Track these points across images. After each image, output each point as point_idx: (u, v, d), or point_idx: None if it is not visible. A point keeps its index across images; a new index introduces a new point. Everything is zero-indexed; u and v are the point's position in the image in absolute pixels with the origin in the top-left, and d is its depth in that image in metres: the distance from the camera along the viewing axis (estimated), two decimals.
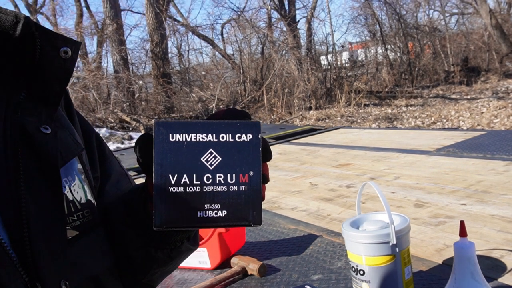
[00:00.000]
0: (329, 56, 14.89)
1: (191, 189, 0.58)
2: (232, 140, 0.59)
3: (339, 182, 2.47)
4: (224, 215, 0.58)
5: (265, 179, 0.61)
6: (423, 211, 1.85)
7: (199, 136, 0.59)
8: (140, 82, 13.84)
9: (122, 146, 8.56)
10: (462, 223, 0.91)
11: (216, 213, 0.58)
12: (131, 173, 3.55)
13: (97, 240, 0.71)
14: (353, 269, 1.18)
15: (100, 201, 0.76)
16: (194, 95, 13.03)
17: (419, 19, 17.63)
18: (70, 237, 0.65)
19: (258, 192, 0.59)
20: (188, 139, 0.58)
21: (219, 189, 0.58)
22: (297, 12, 16.32)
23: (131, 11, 16.78)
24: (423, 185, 2.18)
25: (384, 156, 2.91)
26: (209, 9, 25.27)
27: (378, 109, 11.66)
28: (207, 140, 0.59)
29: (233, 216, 0.58)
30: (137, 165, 2.98)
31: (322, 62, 15.15)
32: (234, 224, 0.59)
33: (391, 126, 9.15)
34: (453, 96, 12.10)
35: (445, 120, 8.82)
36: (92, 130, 0.83)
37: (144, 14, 14.55)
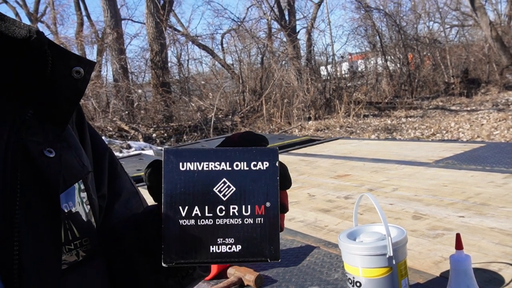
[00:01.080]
0: (329, 67, 14.94)
1: (203, 222, 0.54)
2: (247, 168, 0.55)
3: (337, 193, 2.46)
4: (239, 250, 0.54)
5: (284, 209, 0.58)
6: (421, 223, 1.84)
7: (211, 164, 0.55)
8: (140, 91, 13.87)
9: (121, 155, 8.54)
10: (458, 236, 0.90)
11: (230, 248, 0.54)
12: None
13: (95, 272, 0.68)
14: (350, 281, 1.17)
15: (107, 220, 0.74)
16: (193, 105, 13.05)
17: (419, 31, 17.74)
18: (65, 267, 0.61)
19: (275, 225, 0.54)
20: (200, 168, 0.55)
21: (233, 222, 0.54)
22: (297, 22, 16.42)
23: (132, 20, 16.84)
24: (421, 197, 2.17)
25: (383, 167, 2.90)
26: (209, 19, 25.50)
27: (378, 120, 11.67)
28: (220, 168, 0.55)
29: (249, 251, 0.54)
30: (135, 174, 2.96)
31: (322, 73, 15.20)
32: (249, 260, 0.55)
33: (390, 137, 9.15)
34: (453, 108, 12.13)
35: (444, 132, 8.83)
36: (106, 147, 0.80)
37: (144, 24, 14.62)
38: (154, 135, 11.42)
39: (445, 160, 2.86)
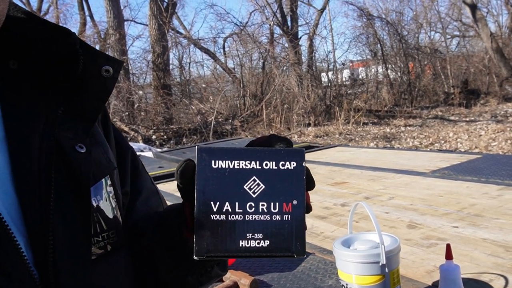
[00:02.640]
0: (330, 74, 14.99)
1: (233, 217, 0.56)
2: (276, 168, 0.58)
3: (334, 200, 2.48)
4: (267, 245, 0.56)
5: (308, 208, 0.60)
6: (415, 232, 1.87)
7: (242, 163, 0.57)
8: (140, 92, 13.90)
9: None
10: (448, 246, 0.92)
11: (258, 243, 0.56)
12: None
13: (121, 263, 0.70)
14: (343, 287, 1.19)
15: (129, 216, 0.77)
16: (193, 107, 13.07)
17: (421, 40, 17.81)
18: (94, 258, 0.64)
19: (302, 222, 0.57)
20: (231, 166, 0.57)
21: (262, 218, 0.57)
22: (299, 29, 16.48)
23: (135, 21, 16.87)
24: (416, 206, 2.20)
25: (380, 176, 2.93)
26: (212, 22, 25.51)
27: (377, 128, 11.70)
28: (251, 167, 0.57)
29: (276, 247, 0.56)
30: None
31: (323, 79, 15.25)
32: (277, 255, 0.57)
33: (389, 145, 9.18)
34: (452, 118, 12.16)
35: (443, 142, 8.86)
36: (128, 146, 0.83)
37: (147, 25, 14.67)
38: (153, 137, 11.44)
39: (441, 171, 2.88)
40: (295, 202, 0.57)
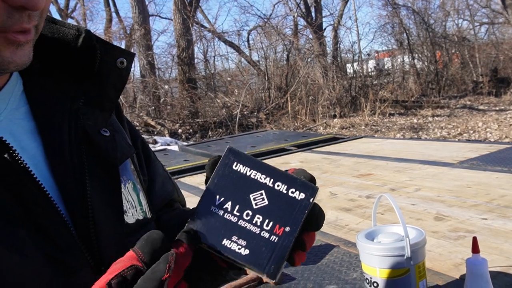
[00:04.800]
0: (355, 64, 14.81)
1: (228, 216, 0.60)
2: (285, 192, 0.61)
3: (359, 192, 2.46)
4: (245, 254, 0.59)
5: (302, 245, 0.61)
6: (442, 224, 1.83)
7: (258, 175, 0.61)
8: (166, 86, 14.02)
9: None
10: (474, 239, 0.90)
11: (239, 249, 0.59)
12: None
13: None
14: (367, 281, 1.18)
15: (151, 200, 0.82)
16: (218, 101, 13.12)
17: (448, 28, 17.40)
18: (126, 230, 0.69)
19: (285, 249, 0.59)
20: (248, 174, 0.61)
21: (252, 229, 0.59)
22: (324, 20, 16.31)
23: (160, 16, 17.04)
24: (444, 198, 2.16)
25: (406, 167, 2.88)
26: (236, 15, 25.42)
27: (404, 119, 11.52)
28: (263, 182, 0.61)
29: (252, 259, 0.58)
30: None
31: (348, 70, 15.08)
32: (249, 266, 0.59)
33: (416, 136, 9.03)
34: (481, 107, 11.88)
35: (472, 132, 8.66)
36: (138, 135, 0.88)
37: (171, 20, 14.75)
38: (179, 130, 11.53)
39: (470, 161, 2.82)
40: (287, 228, 0.59)
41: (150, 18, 15.19)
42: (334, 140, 4.47)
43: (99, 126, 0.70)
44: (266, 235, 0.59)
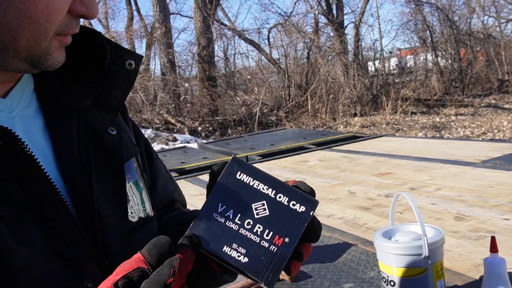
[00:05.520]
0: (377, 62, 14.66)
1: (230, 224, 0.61)
2: (286, 204, 0.63)
3: (378, 191, 2.43)
4: (244, 261, 0.60)
5: (300, 256, 0.63)
6: (463, 224, 1.80)
7: (261, 185, 0.63)
8: (186, 84, 14.10)
9: (166, 147, 8.74)
10: (493, 239, 0.88)
11: (238, 256, 0.60)
12: (173, 173, 3.63)
13: (152, 232, 0.78)
14: (384, 279, 1.17)
15: (153, 199, 0.83)
16: (238, 99, 13.14)
17: (473, 25, 17.08)
18: (130, 226, 0.72)
19: (283, 260, 0.60)
20: (251, 184, 0.63)
21: (252, 238, 0.61)
22: (345, 17, 16.18)
23: (180, 14, 17.09)
24: (465, 198, 2.12)
25: (427, 166, 2.84)
26: (256, 13, 25.35)
27: (426, 118, 11.36)
28: (266, 193, 0.63)
29: (251, 267, 0.60)
30: (179, 167, 3.12)
31: (369, 68, 14.94)
32: (247, 274, 0.60)
33: (438, 135, 8.91)
34: (506, 106, 11.63)
35: (496, 131, 8.49)
36: (142, 135, 0.90)
37: (192, 18, 14.83)
38: (199, 128, 11.60)
39: (492, 161, 2.76)
40: (287, 239, 0.61)
41: (171, 16, 15.30)
42: (354, 138, 4.43)
43: (106, 125, 0.72)
44: (266, 244, 0.61)
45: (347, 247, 1.71)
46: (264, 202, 0.63)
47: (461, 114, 11.19)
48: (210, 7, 13.63)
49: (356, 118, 11.84)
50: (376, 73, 13.98)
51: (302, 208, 0.62)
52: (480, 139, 7.34)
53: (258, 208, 0.62)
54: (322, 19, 15.94)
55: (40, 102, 0.70)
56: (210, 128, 11.71)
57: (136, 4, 15.40)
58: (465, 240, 1.64)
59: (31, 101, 0.69)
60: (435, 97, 13.49)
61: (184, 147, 5.64)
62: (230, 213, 0.62)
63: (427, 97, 13.62)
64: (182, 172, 3.65)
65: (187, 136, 10.43)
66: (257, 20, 26.27)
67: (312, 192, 0.67)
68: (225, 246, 0.61)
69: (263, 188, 0.63)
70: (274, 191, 0.63)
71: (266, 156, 4.01)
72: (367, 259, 1.57)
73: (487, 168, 2.62)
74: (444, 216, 1.92)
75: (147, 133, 10.30)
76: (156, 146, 9.24)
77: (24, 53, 0.59)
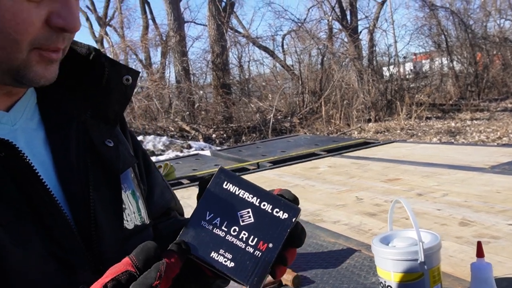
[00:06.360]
0: (391, 67, 14.60)
1: (217, 231, 0.65)
2: (270, 211, 0.66)
3: (385, 197, 2.45)
4: (231, 266, 0.64)
5: (284, 261, 0.66)
6: (467, 230, 1.81)
7: (246, 194, 0.66)
8: (201, 92, 14.21)
9: (181, 154, 8.81)
10: (479, 244, 0.90)
11: (225, 261, 0.64)
12: (185, 180, 3.68)
13: (147, 239, 0.77)
14: (382, 284, 1.19)
15: (150, 208, 0.87)
16: (252, 106, 13.20)
17: (489, 29, 16.90)
18: (125, 233, 0.75)
19: (267, 264, 0.64)
20: (237, 193, 0.67)
21: (238, 244, 0.65)
22: (359, 23, 16.15)
23: (195, 22, 17.27)
24: (471, 203, 2.12)
25: (435, 172, 2.84)
26: (270, 20, 25.44)
27: (441, 123, 11.27)
28: (251, 201, 0.66)
29: (237, 272, 0.64)
30: (191, 174, 3.17)
31: (384, 74, 14.88)
32: (233, 278, 0.64)
33: (453, 140, 8.83)
34: None
35: None
36: (140, 146, 0.94)
37: (206, 26, 14.96)
38: (213, 135, 11.68)
39: (501, 166, 2.75)
40: (270, 245, 0.64)
41: (185, 24, 15.47)
42: (364, 144, 4.44)
43: (104, 137, 0.76)
44: (251, 250, 0.64)
45: (351, 253, 1.73)
46: (249, 210, 0.66)
47: (476, 119, 11.07)
48: (224, 15, 13.74)
49: (370, 124, 11.80)
50: (390, 78, 13.92)
51: (285, 215, 0.65)
52: (495, 144, 7.27)
53: (243, 216, 0.66)
54: (336, 25, 15.96)
55: (42, 114, 0.74)
56: (224, 135, 11.77)
57: (151, 13, 15.61)
58: (468, 246, 1.65)
59: (34, 114, 0.73)
60: (451, 102, 13.38)
61: (196, 154, 5.70)
62: (217, 220, 0.66)
63: (442, 102, 13.51)
64: (194, 179, 3.70)
65: (202, 143, 10.51)
66: (271, 27, 26.29)
67: (295, 200, 0.70)
68: (213, 252, 0.64)
69: (248, 197, 0.66)
70: (258, 200, 0.66)
71: (277, 163, 4.04)
72: (370, 264, 1.59)
73: (496, 173, 2.62)
74: (449, 221, 1.93)
75: (162, 140, 10.40)
76: (170, 153, 9.33)
77: (3, 65, 0.62)
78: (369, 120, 12.14)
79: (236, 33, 15.65)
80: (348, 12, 15.80)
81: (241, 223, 0.65)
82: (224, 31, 14.02)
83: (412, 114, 11.86)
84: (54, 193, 0.67)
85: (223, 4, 14.35)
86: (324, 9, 15.86)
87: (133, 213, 0.79)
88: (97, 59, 0.76)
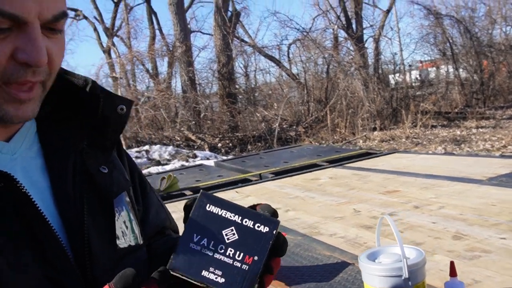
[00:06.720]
0: (396, 75, 14.62)
1: (205, 251, 0.70)
2: (252, 227, 0.71)
3: (382, 209, 2.48)
4: (222, 282, 0.69)
5: (271, 271, 0.72)
6: (460, 243, 1.83)
7: (228, 214, 0.72)
8: (207, 101, 14.31)
9: (187, 164, 8.87)
10: (452, 264, 0.93)
11: (216, 278, 0.69)
12: (188, 192, 3.73)
13: (140, 259, 0.87)
14: None
15: (144, 227, 0.93)
16: (258, 115, 13.25)
17: (495, 37, 16.88)
18: (118, 254, 0.80)
19: (255, 275, 0.69)
20: (219, 213, 0.72)
21: (226, 260, 0.70)
22: (364, 31, 16.20)
23: (201, 32, 17.37)
24: (466, 216, 2.15)
25: (434, 183, 2.87)
26: (276, 30, 25.51)
27: (446, 131, 11.26)
28: (233, 219, 0.72)
29: (227, 286, 0.68)
30: (194, 185, 3.22)
31: (391, 81, 14.89)
32: None
33: (458, 149, 8.82)
34: None
35: None
36: (136, 169, 0.99)
37: (212, 35, 15.08)
38: (219, 145, 11.74)
39: (499, 178, 2.77)
40: (256, 258, 0.70)
41: (192, 34, 15.60)
42: (367, 155, 4.46)
43: (99, 164, 0.81)
44: (238, 264, 0.69)
45: (345, 266, 1.76)
46: (233, 228, 0.71)
47: (482, 127, 11.05)
48: (229, 25, 13.86)
49: (375, 132, 11.81)
50: (396, 87, 13.93)
51: (266, 229, 0.71)
52: (500, 152, 7.26)
53: (228, 234, 0.71)
54: (341, 33, 16.02)
55: (41, 143, 0.79)
56: (230, 144, 11.83)
57: (158, 23, 15.77)
58: (460, 260, 1.67)
59: (33, 143, 0.78)
60: (456, 110, 13.36)
61: (200, 165, 5.74)
62: (205, 241, 0.70)
63: (448, 110, 13.50)
64: (197, 191, 3.74)
65: (207, 152, 10.57)
66: (277, 36, 26.37)
67: (274, 213, 0.75)
68: (203, 271, 0.69)
69: (230, 216, 0.72)
70: (240, 217, 0.71)
71: (279, 174, 4.08)
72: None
73: (493, 185, 2.64)
74: (443, 235, 1.96)
75: (168, 150, 10.48)
76: (176, 163, 9.39)
77: None
78: (374, 129, 12.16)
79: (242, 42, 15.76)
80: (353, 21, 15.87)
81: (227, 241, 0.70)
82: (230, 41, 14.12)
83: (417, 122, 11.86)
84: (51, 221, 0.71)
85: (229, 14, 14.48)
86: (329, 17, 15.95)
87: (127, 234, 0.84)
88: (93, 91, 0.80)
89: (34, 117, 0.71)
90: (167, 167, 8.48)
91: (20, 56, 0.64)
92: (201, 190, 0.77)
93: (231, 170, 4.76)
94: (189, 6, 16.65)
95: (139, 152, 10.30)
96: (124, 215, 0.85)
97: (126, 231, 0.84)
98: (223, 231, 0.71)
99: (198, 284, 0.70)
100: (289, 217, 2.58)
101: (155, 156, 10.14)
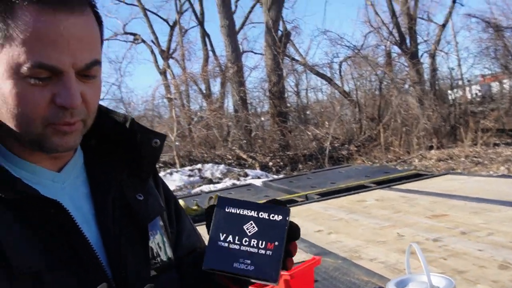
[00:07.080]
0: (454, 91, 14.13)
1: (232, 246, 0.79)
2: (268, 218, 0.80)
3: (427, 234, 2.39)
4: (252, 269, 0.77)
5: (289, 253, 0.81)
6: (506, 273, 1.74)
7: (245, 211, 0.81)
8: (258, 120, 14.41)
9: (238, 182, 8.95)
10: None
11: (246, 267, 0.77)
12: None
13: (172, 279, 0.96)
14: None
15: (177, 249, 1.02)
16: (309, 133, 13.19)
17: None
18: (154, 274, 0.90)
19: (279, 258, 0.78)
20: (238, 212, 0.81)
21: (251, 250, 0.79)
22: (419, 47, 15.82)
23: (253, 52, 17.61)
24: None
25: (485, 208, 2.74)
26: (326, 48, 25.41)
27: (510, 150, 10.69)
28: (250, 214, 0.81)
29: (258, 272, 0.77)
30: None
31: (449, 97, 14.40)
32: (257, 277, 0.78)
33: None
34: None
35: None
36: (172, 196, 1.09)
37: (263, 55, 15.24)
38: (270, 163, 11.75)
39: None
40: (276, 243, 0.79)
41: (243, 54, 15.83)
42: (416, 176, 4.34)
43: (136, 192, 0.91)
44: (263, 251, 0.78)
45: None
46: (252, 221, 0.80)
47: None
48: (279, 45, 13.97)
49: (432, 151, 11.39)
50: (453, 103, 13.45)
51: (280, 217, 0.80)
52: None
53: (248, 228, 0.79)
54: (395, 49, 15.72)
55: (87, 173, 0.91)
56: (281, 163, 11.82)
57: (211, 45, 16.14)
58: None
59: (80, 173, 0.90)
60: None
61: (249, 184, 5.80)
62: (230, 238, 0.79)
63: None
64: None
65: (258, 171, 10.61)
66: (328, 54, 26.25)
67: (284, 204, 0.84)
68: (234, 263, 0.77)
69: (247, 212, 0.80)
70: (256, 212, 0.80)
71: (324, 195, 4.04)
72: None
73: None
74: (489, 264, 1.86)
75: (220, 168, 10.62)
76: (228, 182, 9.49)
77: (26, 137, 0.78)
78: (431, 147, 11.74)
79: (293, 61, 15.81)
80: (407, 37, 15.56)
81: (249, 234, 0.79)
82: (280, 60, 14.21)
83: (477, 140, 11.35)
84: (94, 245, 0.81)
85: (280, 33, 14.61)
86: (382, 34, 15.71)
87: (160, 255, 0.93)
88: (132, 127, 0.91)
89: (76, 147, 0.83)
90: (219, 186, 8.58)
91: (58, 100, 0.75)
92: (218, 195, 0.86)
93: (278, 190, 4.77)
94: (241, 28, 16.96)
95: (191, 170, 10.49)
96: (158, 237, 0.94)
97: (160, 252, 0.93)
98: (243, 226, 0.79)
99: (232, 275, 0.78)
100: (331, 240, 2.55)
101: (207, 174, 10.29)
